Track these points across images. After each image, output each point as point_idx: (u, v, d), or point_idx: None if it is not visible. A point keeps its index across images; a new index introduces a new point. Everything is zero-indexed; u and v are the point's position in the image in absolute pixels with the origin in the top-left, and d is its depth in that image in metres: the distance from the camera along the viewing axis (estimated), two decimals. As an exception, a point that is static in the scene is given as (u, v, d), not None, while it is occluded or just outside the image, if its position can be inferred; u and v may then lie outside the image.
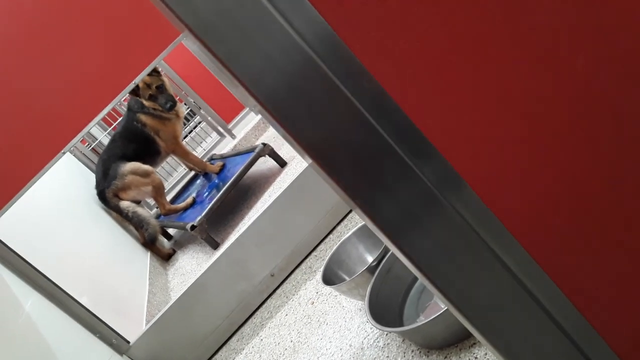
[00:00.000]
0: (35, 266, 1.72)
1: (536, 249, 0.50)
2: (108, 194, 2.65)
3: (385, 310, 1.29)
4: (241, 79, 0.44)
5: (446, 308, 1.06)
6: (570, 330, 0.53)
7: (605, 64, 0.49)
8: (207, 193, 2.72)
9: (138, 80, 1.69)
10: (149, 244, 2.75)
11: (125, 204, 2.66)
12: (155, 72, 2.69)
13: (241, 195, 2.66)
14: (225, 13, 0.43)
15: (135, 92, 2.69)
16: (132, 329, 1.94)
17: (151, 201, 3.51)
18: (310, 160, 0.46)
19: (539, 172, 0.49)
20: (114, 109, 4.25)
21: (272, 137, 3.16)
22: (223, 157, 3.06)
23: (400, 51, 0.44)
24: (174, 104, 2.73)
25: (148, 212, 2.88)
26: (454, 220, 0.47)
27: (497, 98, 0.47)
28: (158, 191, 2.75)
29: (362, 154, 0.45)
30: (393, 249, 0.50)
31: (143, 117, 2.74)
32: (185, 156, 2.94)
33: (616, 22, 0.48)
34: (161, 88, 2.70)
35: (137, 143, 2.75)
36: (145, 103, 2.71)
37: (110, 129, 4.14)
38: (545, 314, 0.52)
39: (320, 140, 0.44)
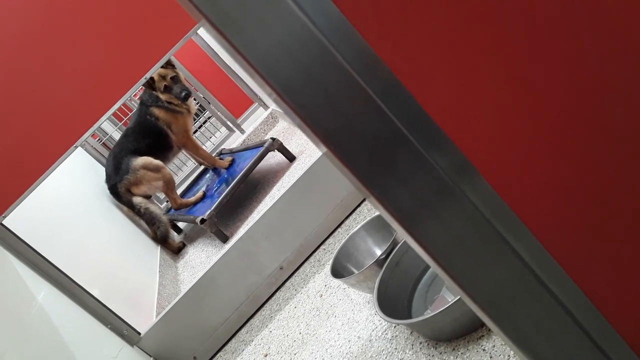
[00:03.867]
0: (48, 258, 1.75)
1: (548, 238, 0.50)
2: (121, 189, 2.68)
3: (394, 302, 1.29)
4: (258, 68, 0.45)
5: (454, 301, 1.07)
6: (581, 319, 0.53)
7: (620, 54, 0.49)
8: (216, 187, 2.74)
9: (149, 74, 1.71)
10: (160, 240, 2.78)
11: (137, 200, 2.68)
12: (169, 65, 2.72)
13: (250, 189, 2.67)
14: (242, 3, 0.43)
15: (150, 85, 2.72)
16: (143, 320, 1.96)
17: (161, 195, 3.54)
18: (325, 149, 0.47)
19: (551, 162, 0.49)
20: (124, 104, 4.29)
21: (281, 131, 3.17)
22: (232, 152, 3.08)
23: (414, 41, 0.45)
24: (189, 93, 2.76)
25: (159, 208, 2.90)
26: (467, 208, 0.48)
27: (510, 87, 0.47)
28: (169, 186, 2.78)
29: (376, 143, 0.46)
30: (406, 237, 0.50)
31: (156, 111, 2.77)
32: (195, 150, 2.97)
33: (625, 15, 0.49)
34: (175, 79, 2.73)
35: (150, 137, 2.78)
36: (161, 96, 2.74)
37: (121, 123, 4.18)
38: (557, 302, 0.52)
39: (335, 130, 0.45)
